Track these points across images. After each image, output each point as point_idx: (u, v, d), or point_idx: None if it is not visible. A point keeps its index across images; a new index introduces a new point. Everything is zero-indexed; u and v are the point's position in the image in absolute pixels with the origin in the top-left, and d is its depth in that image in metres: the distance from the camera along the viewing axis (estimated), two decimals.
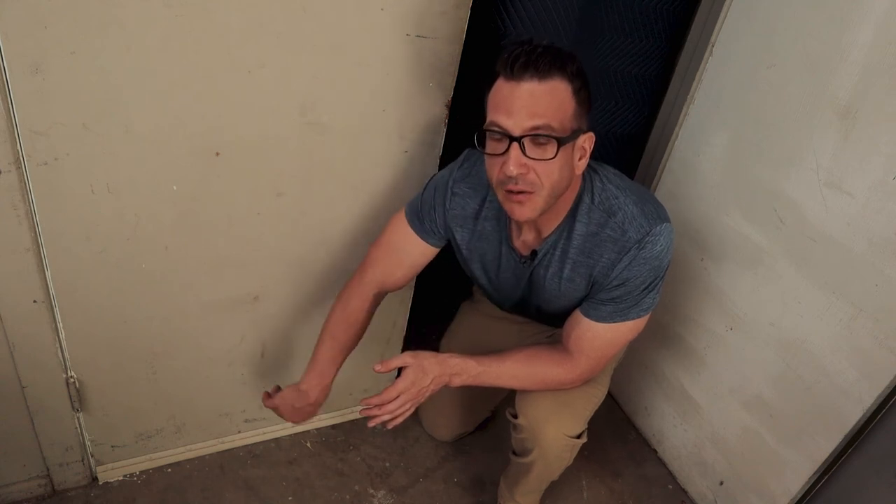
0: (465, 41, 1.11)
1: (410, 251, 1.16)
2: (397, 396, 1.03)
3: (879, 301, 1.10)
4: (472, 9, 1.08)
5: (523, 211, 0.95)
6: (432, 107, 1.17)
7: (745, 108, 1.32)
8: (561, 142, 0.89)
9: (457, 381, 1.07)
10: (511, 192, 0.93)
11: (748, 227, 1.33)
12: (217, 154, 1.03)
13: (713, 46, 1.39)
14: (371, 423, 1.05)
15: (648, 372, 1.68)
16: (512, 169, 0.89)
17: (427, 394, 1.05)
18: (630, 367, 1.73)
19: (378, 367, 1.01)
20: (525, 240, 1.09)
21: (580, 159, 0.96)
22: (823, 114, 1.15)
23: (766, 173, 1.28)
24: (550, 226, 1.05)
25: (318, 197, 1.17)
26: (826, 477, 1.24)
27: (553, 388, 1.13)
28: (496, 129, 0.91)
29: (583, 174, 1.03)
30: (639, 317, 1.05)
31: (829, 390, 1.20)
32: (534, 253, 1.07)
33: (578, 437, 1.19)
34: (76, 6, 0.82)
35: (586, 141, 0.96)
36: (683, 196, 1.49)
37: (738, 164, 1.34)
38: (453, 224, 1.13)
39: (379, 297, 1.22)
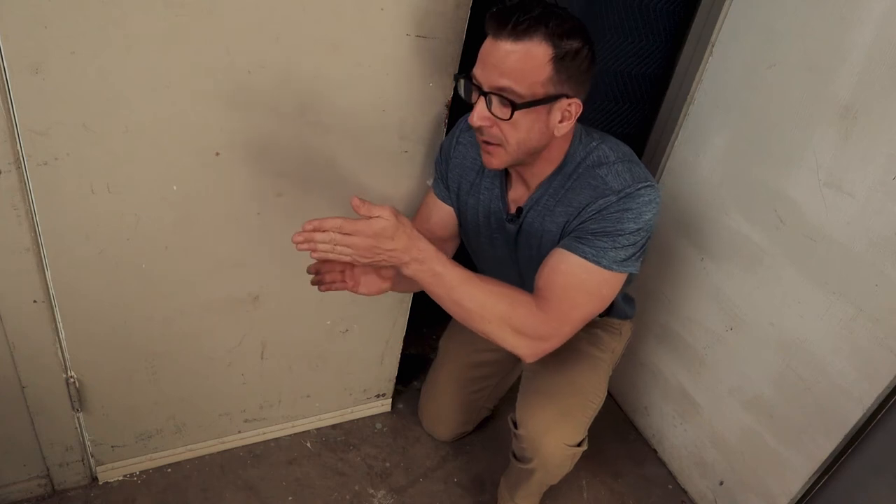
0: (465, 41, 1.11)
1: (428, 201, 1.23)
2: (348, 234, 0.85)
3: (879, 301, 1.10)
4: (472, 9, 1.08)
5: (491, 161, 0.99)
6: (432, 107, 1.17)
7: (745, 108, 1.32)
8: (517, 107, 0.90)
9: (411, 269, 0.91)
10: (483, 141, 0.98)
11: (748, 227, 1.33)
12: (217, 154, 1.03)
13: (713, 46, 1.39)
14: (299, 246, 0.87)
15: (648, 372, 1.68)
16: (475, 121, 0.94)
17: (374, 261, 0.88)
18: (630, 366, 1.73)
19: (356, 201, 0.84)
20: (514, 197, 1.11)
21: (561, 122, 0.96)
22: (823, 114, 1.15)
23: (766, 173, 1.28)
24: (537, 181, 1.06)
25: (318, 197, 1.17)
26: (826, 477, 1.24)
27: (516, 332, 0.96)
28: (473, 80, 0.94)
29: (580, 136, 1.04)
30: (611, 268, 0.97)
31: (829, 390, 1.20)
32: (519, 210, 1.09)
33: (579, 445, 1.19)
34: (76, 6, 0.82)
35: (571, 106, 0.95)
36: (683, 196, 1.49)
37: (738, 164, 1.34)
38: (452, 174, 1.16)
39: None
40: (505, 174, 1.11)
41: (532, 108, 0.91)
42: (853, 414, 1.16)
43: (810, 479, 1.26)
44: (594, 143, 1.03)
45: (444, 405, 1.53)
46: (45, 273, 1.03)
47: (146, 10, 0.86)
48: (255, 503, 1.37)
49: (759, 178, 1.29)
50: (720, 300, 1.42)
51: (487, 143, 0.97)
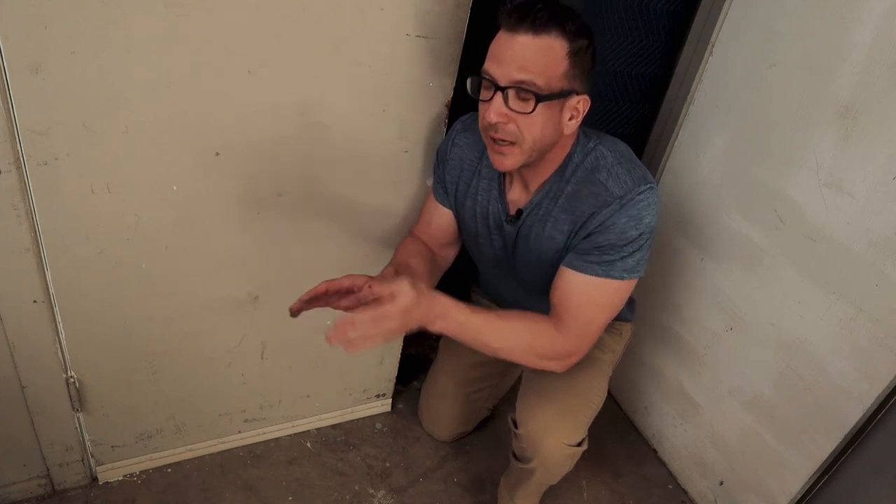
0: (465, 41, 1.11)
1: (429, 205, 1.23)
2: (378, 321, 0.84)
3: (879, 301, 1.10)
4: (472, 9, 1.08)
5: (504, 161, 0.98)
6: (432, 107, 1.17)
7: (745, 108, 1.32)
8: (540, 98, 0.91)
9: (437, 326, 0.92)
10: (494, 140, 0.96)
11: (748, 227, 1.33)
12: (217, 154, 1.03)
13: (713, 46, 1.39)
14: (332, 343, 0.84)
15: (648, 372, 1.68)
16: (492, 117, 0.92)
17: (404, 330, 0.88)
18: (630, 366, 1.73)
19: (366, 291, 0.87)
20: (513, 198, 1.11)
21: (570, 119, 0.97)
22: (823, 114, 1.15)
23: (766, 173, 1.28)
24: (537, 182, 1.06)
25: (318, 197, 1.17)
26: (826, 477, 1.24)
27: (542, 357, 1.02)
28: (486, 76, 0.93)
29: (578, 137, 1.05)
30: (622, 278, 1.00)
31: (829, 390, 1.20)
32: (519, 212, 1.09)
33: (579, 444, 1.19)
34: (76, 6, 0.82)
35: (580, 103, 0.96)
36: (683, 196, 1.49)
37: (738, 164, 1.34)
38: (450, 176, 1.16)
39: (430, 250, 1.22)
40: (502, 176, 1.11)
41: (551, 102, 0.92)
42: (853, 414, 1.16)
43: (810, 479, 1.26)
44: (591, 145, 1.04)
45: (444, 405, 1.53)
46: (45, 273, 1.03)
47: (146, 10, 0.86)
48: (255, 503, 1.37)
49: (759, 178, 1.29)
50: (720, 300, 1.42)
51: (501, 141, 0.96)
